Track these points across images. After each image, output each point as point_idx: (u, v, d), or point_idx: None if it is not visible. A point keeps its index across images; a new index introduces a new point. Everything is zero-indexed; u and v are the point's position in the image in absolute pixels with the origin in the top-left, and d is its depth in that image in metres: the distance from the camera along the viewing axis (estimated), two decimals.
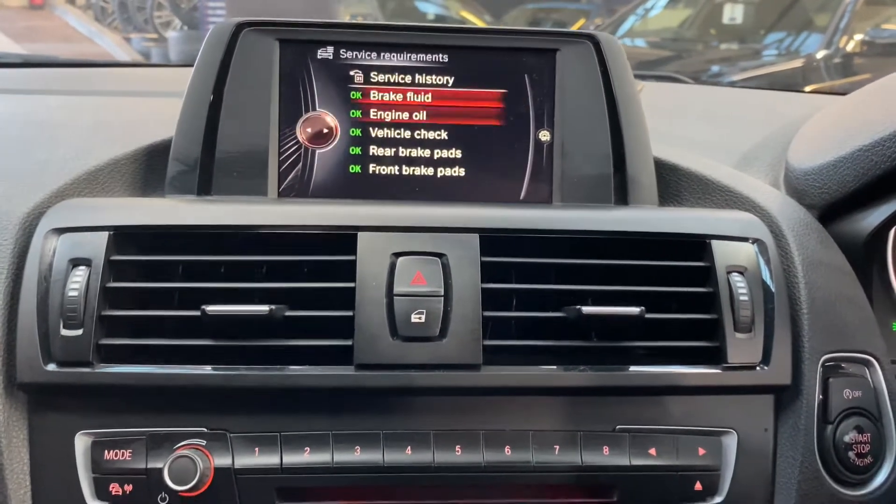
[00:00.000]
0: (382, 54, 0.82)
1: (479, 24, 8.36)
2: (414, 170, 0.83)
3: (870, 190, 0.76)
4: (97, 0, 10.02)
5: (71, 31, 9.37)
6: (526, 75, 0.83)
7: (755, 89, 1.42)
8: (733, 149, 0.97)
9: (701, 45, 5.08)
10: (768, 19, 4.92)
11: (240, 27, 0.81)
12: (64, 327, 0.66)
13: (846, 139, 0.79)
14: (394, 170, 0.83)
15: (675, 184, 0.86)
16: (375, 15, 7.59)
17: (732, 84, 4.25)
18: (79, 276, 0.67)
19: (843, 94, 1.36)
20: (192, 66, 0.82)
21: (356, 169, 0.83)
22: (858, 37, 4.18)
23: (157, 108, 0.97)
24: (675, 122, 1.07)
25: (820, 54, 4.24)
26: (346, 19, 7.55)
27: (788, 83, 4.15)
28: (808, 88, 4.05)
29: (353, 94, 0.82)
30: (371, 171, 0.83)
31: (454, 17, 8.58)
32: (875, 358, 0.73)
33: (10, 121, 0.90)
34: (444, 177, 0.83)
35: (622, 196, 0.83)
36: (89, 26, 9.27)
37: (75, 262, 0.68)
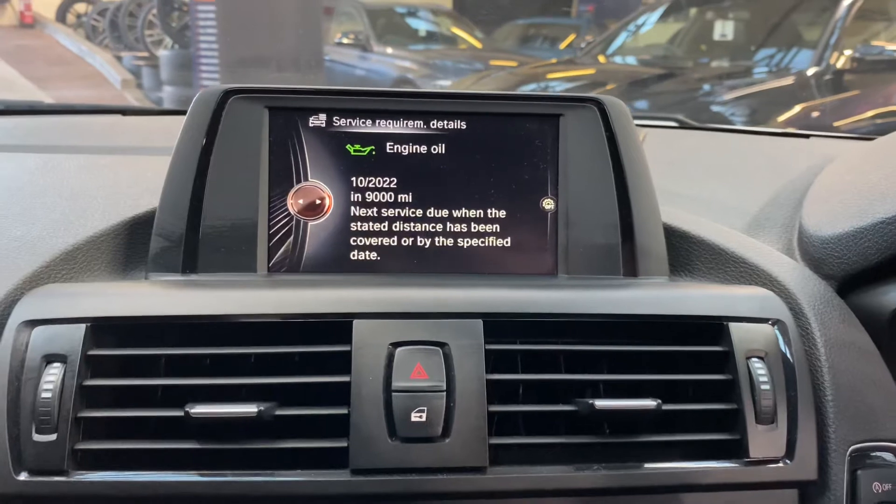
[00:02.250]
0: (377, 121, 0.78)
1: (471, 40, 8.37)
2: (411, 241, 0.79)
3: (893, 263, 0.72)
4: (88, 18, 10.01)
5: (62, 50, 9.34)
6: (528, 141, 0.79)
7: (762, 135, 1.38)
8: (743, 208, 0.93)
9: (692, 63, 5.08)
10: (759, 36, 4.93)
11: (227, 94, 0.77)
12: (36, 431, 0.61)
13: (866, 207, 0.75)
14: (390, 241, 0.78)
15: (686, 252, 0.82)
16: (367, 32, 7.58)
17: (723, 103, 4.25)
18: (53, 374, 0.62)
19: (846, 137, 1.33)
20: (180, 113, 0.78)
21: (350, 241, 0.78)
22: (848, 53, 4.18)
23: (142, 170, 0.92)
24: (681, 177, 1.03)
25: (811, 71, 4.24)
26: (338, 37, 7.56)
27: (780, 101, 4.14)
28: (798, 107, 4.05)
29: (346, 163, 0.78)
30: (366, 244, 0.78)
31: (446, 33, 8.60)
32: None
33: None
34: (442, 248, 0.79)
35: (631, 267, 0.79)
36: (80, 45, 9.24)
37: (49, 358, 0.63)
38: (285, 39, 5.24)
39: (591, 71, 5.16)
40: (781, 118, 4.07)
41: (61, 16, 10.57)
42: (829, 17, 4.33)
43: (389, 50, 7.40)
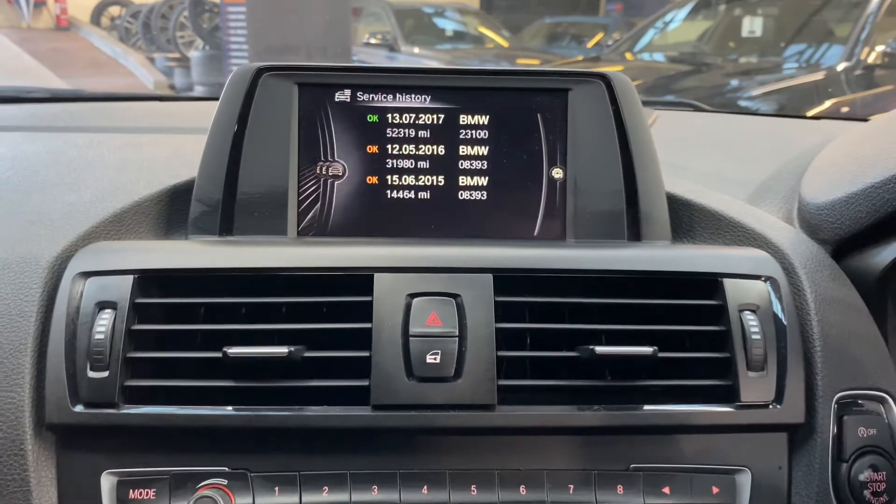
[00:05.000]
0: (398, 96, 0.84)
1: (498, 39, 8.41)
2: (429, 208, 0.85)
3: (883, 226, 0.77)
4: (121, 21, 10.24)
5: (96, 52, 9.55)
6: (539, 114, 0.85)
7: (769, 116, 1.42)
8: (746, 181, 0.97)
9: (720, 59, 5.07)
10: (788, 32, 4.90)
11: (260, 71, 0.84)
12: (91, 369, 0.68)
13: (858, 174, 0.79)
14: (410, 208, 0.85)
15: (688, 219, 0.87)
16: (394, 32, 7.67)
17: (751, 98, 4.25)
18: (105, 319, 0.69)
19: (860, 119, 1.37)
20: (213, 99, 0.84)
21: (373, 207, 0.84)
22: (880, 48, 4.15)
23: (180, 146, 1.00)
24: (689, 153, 1.08)
25: (841, 66, 4.21)
26: (366, 37, 7.64)
27: (809, 96, 4.13)
28: (828, 102, 4.04)
29: (370, 136, 0.84)
30: (387, 209, 0.84)
31: (473, 33, 8.65)
32: (889, 395, 0.74)
33: (40, 161, 0.93)
34: (459, 214, 0.85)
35: (635, 232, 0.84)
36: (114, 47, 9.46)
37: (101, 305, 0.70)
38: (313, 37, 5.34)
39: (618, 67, 5.17)
40: (811, 113, 4.05)
41: (96, 19, 10.82)
42: (860, 12, 4.30)
43: (417, 50, 7.48)
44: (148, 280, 0.72)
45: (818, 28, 4.72)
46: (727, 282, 0.74)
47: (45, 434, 0.69)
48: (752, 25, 5.07)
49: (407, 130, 0.85)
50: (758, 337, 0.71)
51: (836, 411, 0.72)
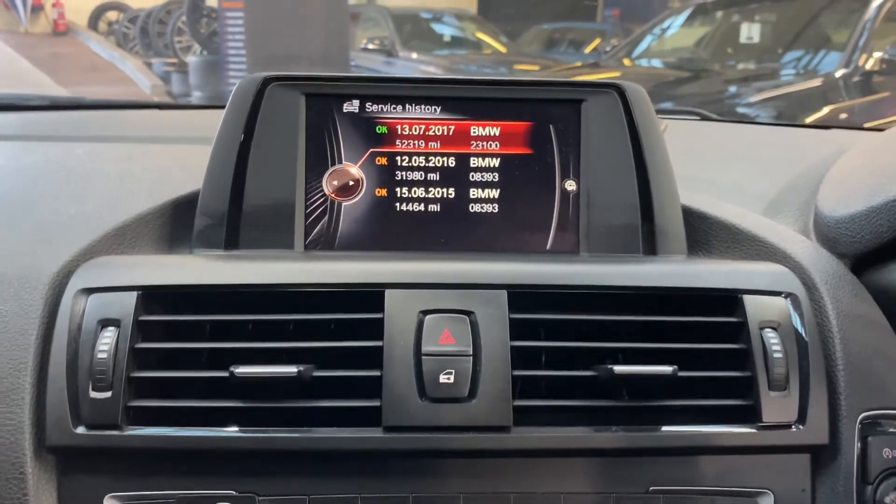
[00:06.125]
0: (407, 106, 0.83)
1: (496, 45, 8.41)
2: (440, 221, 0.83)
3: None
4: (119, 26, 10.22)
5: (94, 57, 9.54)
6: (551, 126, 0.83)
7: (780, 126, 1.40)
8: (760, 192, 0.96)
9: (718, 65, 5.06)
10: (786, 38, 4.90)
11: (266, 82, 0.82)
12: (93, 389, 0.66)
13: (879, 186, 0.77)
14: (420, 221, 0.83)
15: (704, 232, 0.85)
16: (392, 38, 7.66)
17: (749, 104, 4.24)
18: (107, 338, 0.67)
19: (867, 129, 1.35)
20: (215, 107, 0.82)
21: (382, 220, 0.82)
22: (878, 55, 4.15)
23: (183, 156, 0.98)
24: (701, 164, 1.06)
25: (839, 73, 4.20)
26: (364, 42, 7.63)
27: (807, 103, 4.12)
28: (826, 109, 4.03)
29: (379, 147, 0.82)
30: (397, 223, 0.82)
31: (470, 38, 8.65)
32: None
33: (39, 172, 0.91)
34: (470, 227, 0.83)
35: (651, 246, 0.82)
36: (111, 52, 9.44)
37: (104, 323, 0.68)
38: (312, 42, 5.32)
39: (616, 74, 5.16)
40: (809, 120, 4.04)
41: (93, 23, 10.81)
42: (858, 18, 4.30)
43: (415, 55, 7.47)
44: (152, 297, 0.70)
45: (816, 34, 4.72)
46: (747, 298, 0.72)
47: (45, 456, 0.66)
48: (750, 32, 5.07)
49: (417, 142, 0.83)
50: (780, 355, 0.69)
51: (861, 432, 0.70)
